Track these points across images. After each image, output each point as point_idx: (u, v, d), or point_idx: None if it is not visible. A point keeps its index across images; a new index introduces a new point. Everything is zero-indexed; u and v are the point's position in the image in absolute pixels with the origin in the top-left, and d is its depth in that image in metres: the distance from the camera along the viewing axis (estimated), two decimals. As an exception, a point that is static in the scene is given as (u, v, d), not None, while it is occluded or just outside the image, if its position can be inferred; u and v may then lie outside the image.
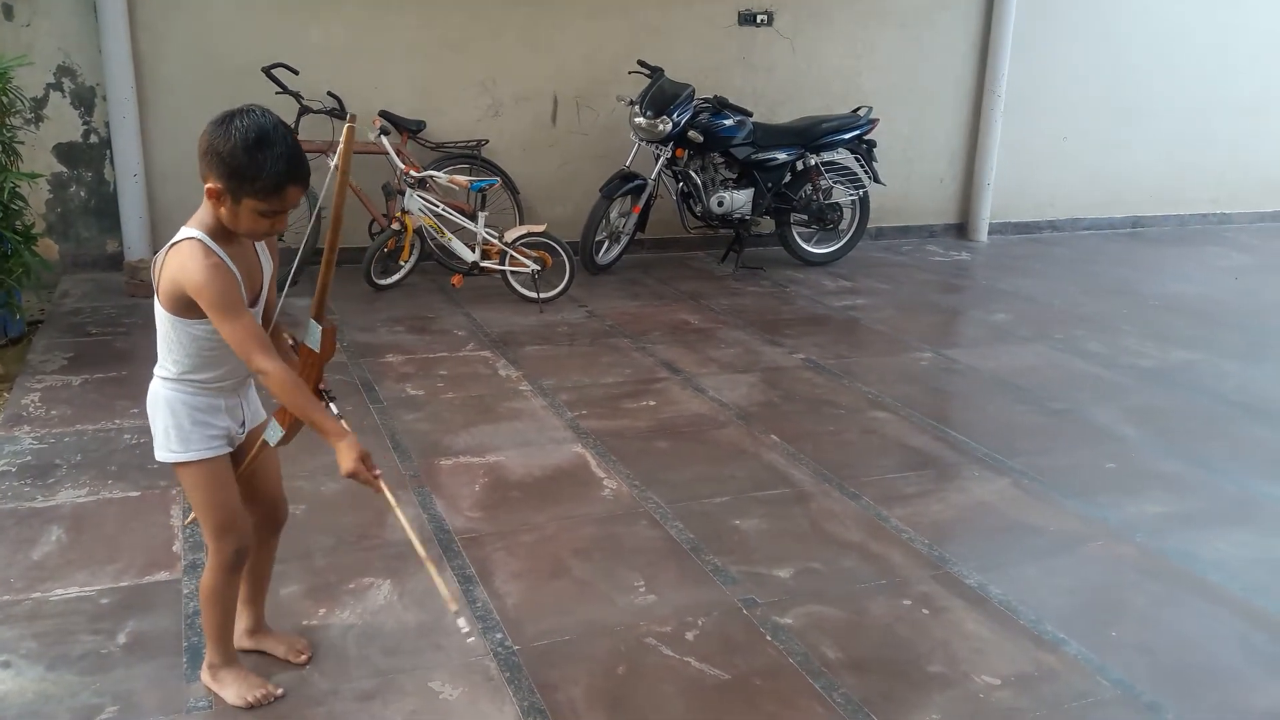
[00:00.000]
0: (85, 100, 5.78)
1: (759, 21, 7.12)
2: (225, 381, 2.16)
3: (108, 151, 5.84)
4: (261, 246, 2.18)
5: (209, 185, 1.98)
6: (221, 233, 2.04)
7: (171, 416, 2.14)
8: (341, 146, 2.06)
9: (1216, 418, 4.34)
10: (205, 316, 2.02)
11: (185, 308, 2.04)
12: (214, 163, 1.95)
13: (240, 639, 2.45)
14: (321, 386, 2.20)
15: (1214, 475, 3.72)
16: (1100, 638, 2.67)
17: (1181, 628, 2.74)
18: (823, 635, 2.63)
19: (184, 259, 1.99)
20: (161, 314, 2.09)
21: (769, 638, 2.62)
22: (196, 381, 2.13)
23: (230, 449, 2.22)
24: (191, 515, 2.39)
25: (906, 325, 5.63)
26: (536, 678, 2.42)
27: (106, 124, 5.78)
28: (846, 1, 7.31)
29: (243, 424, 2.24)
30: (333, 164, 2.24)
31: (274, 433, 2.25)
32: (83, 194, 5.92)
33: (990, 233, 8.10)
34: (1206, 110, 8.63)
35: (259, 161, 1.92)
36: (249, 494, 2.32)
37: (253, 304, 2.11)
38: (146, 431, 3.82)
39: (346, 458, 2.04)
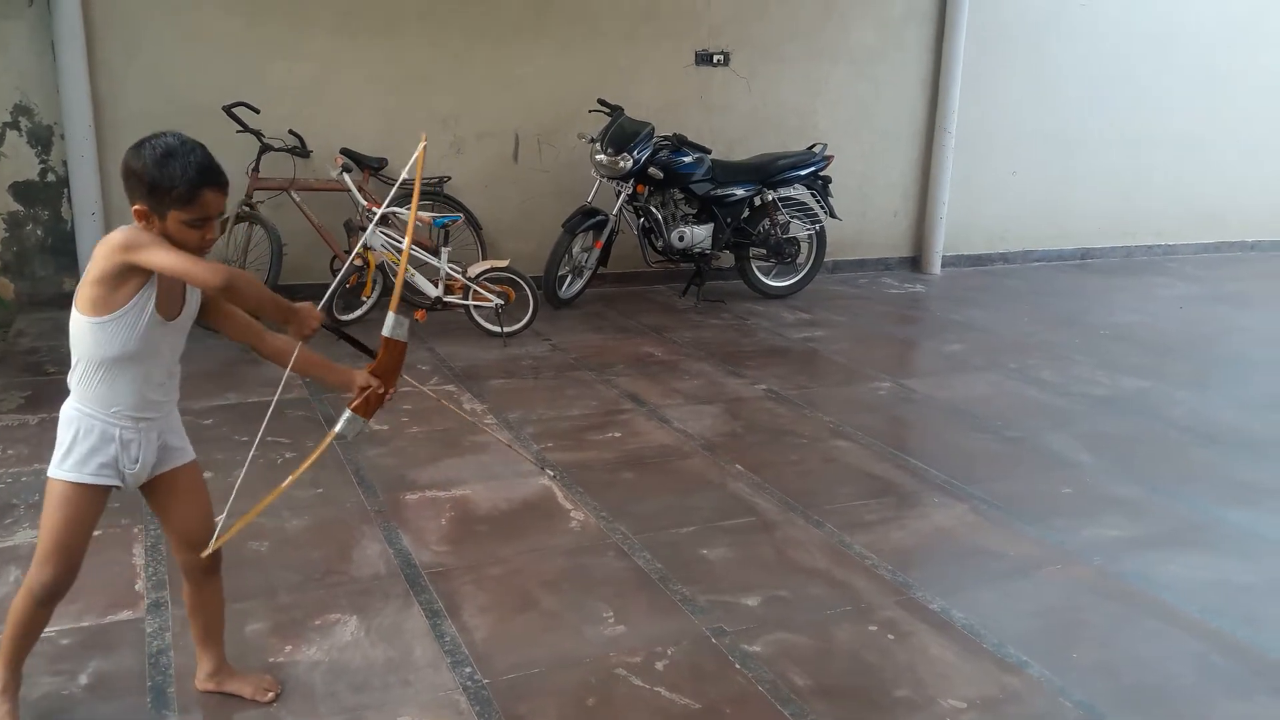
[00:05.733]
0: (42, 139, 5.73)
1: (716, 61, 7.26)
2: (123, 410, 2.13)
3: (65, 190, 5.79)
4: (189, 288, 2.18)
5: (136, 207, 2.04)
6: None
7: (67, 433, 2.14)
8: (416, 160, 2.23)
9: (1168, 443, 4.45)
10: (120, 308, 2.04)
11: (105, 296, 2.04)
12: (134, 184, 2.04)
13: (203, 683, 2.43)
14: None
15: (1167, 499, 3.82)
16: (1062, 659, 2.72)
17: (1140, 649, 2.80)
18: (791, 662, 2.66)
19: (106, 237, 2.05)
20: (75, 328, 2.09)
21: (738, 666, 2.64)
22: (95, 405, 2.12)
23: (117, 484, 2.18)
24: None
25: (864, 356, 5.72)
26: (506, 711, 2.42)
27: (64, 162, 5.73)
28: (800, 42, 7.49)
29: (137, 461, 2.17)
30: (401, 177, 2.45)
31: (352, 425, 2.27)
32: (39, 232, 5.85)
33: (944, 265, 8.27)
34: (1149, 146, 8.91)
35: (171, 172, 2.01)
36: (172, 536, 2.32)
37: (170, 320, 2.14)
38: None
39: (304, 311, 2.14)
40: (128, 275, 2.03)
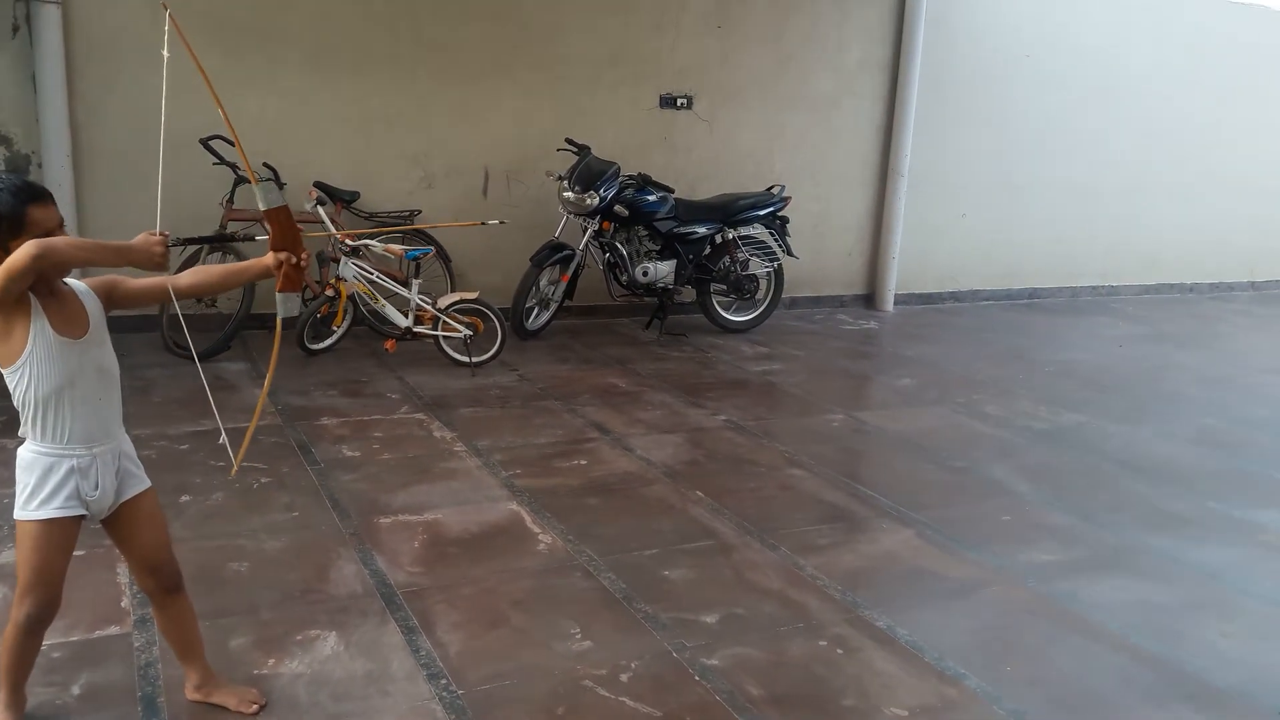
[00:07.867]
0: (19, 168, 5.82)
1: (679, 104, 7.55)
2: (74, 439, 2.22)
3: (39, 217, 5.88)
4: (86, 291, 2.27)
5: None
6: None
7: (29, 475, 2.23)
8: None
9: (1101, 475, 4.72)
10: (24, 350, 2.12)
11: (1, 351, 2.14)
12: None
13: (192, 693, 2.56)
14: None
15: (1097, 527, 4.07)
16: (996, 672, 2.93)
17: (1068, 663, 3.02)
18: (746, 674, 2.85)
19: None
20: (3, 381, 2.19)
21: (697, 677, 2.82)
22: (49, 443, 2.21)
23: (82, 513, 2.27)
24: None
25: (819, 389, 5.96)
26: (481, 718, 2.58)
27: (40, 190, 5.83)
28: (761, 87, 7.80)
29: (98, 488, 2.26)
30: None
31: (288, 303, 2.37)
32: (11, 258, 5.92)
33: (896, 303, 8.59)
34: (1092, 191, 9.34)
35: None
36: (135, 564, 2.44)
37: (79, 338, 2.20)
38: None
39: (141, 243, 2.15)
40: (7, 319, 2.10)
